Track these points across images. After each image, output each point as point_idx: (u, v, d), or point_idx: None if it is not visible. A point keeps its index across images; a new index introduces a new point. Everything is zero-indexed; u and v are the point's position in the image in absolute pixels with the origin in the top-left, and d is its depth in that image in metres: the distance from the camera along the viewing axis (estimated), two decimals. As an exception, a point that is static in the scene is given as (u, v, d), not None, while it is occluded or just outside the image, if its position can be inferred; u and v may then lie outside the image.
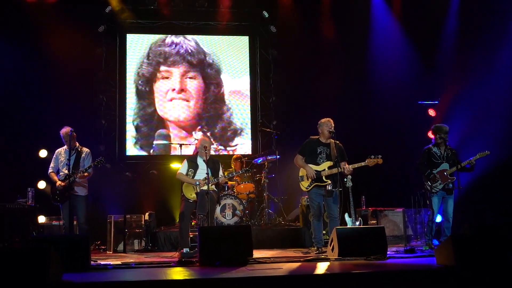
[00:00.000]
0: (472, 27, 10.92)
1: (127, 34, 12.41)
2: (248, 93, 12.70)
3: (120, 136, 12.10)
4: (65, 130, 8.22)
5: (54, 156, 8.43)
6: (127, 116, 12.18)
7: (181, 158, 9.93)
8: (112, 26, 12.03)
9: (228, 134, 12.54)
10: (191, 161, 8.36)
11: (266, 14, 12.41)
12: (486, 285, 5.35)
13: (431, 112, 11.16)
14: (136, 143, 12.20)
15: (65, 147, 8.30)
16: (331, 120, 8.11)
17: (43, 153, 10.40)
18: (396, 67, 11.58)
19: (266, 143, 11.97)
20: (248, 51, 12.82)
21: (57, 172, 8.33)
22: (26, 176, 10.08)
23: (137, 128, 12.24)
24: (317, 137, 8.22)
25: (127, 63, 12.33)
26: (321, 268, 6.32)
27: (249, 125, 12.60)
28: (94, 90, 11.79)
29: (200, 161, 8.29)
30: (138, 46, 12.43)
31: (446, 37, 11.41)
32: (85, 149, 8.41)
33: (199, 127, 12.35)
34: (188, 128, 12.33)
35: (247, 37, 12.87)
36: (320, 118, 8.25)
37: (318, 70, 11.92)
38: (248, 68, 12.76)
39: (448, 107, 11.05)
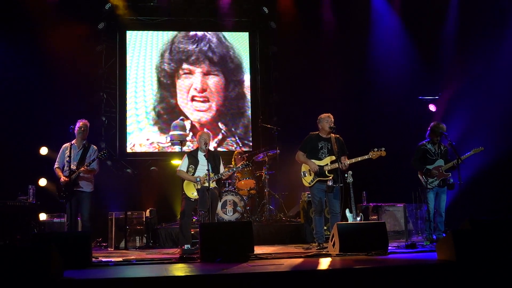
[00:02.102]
0: (473, 22, 10.90)
1: (127, 31, 12.39)
2: (249, 89, 12.70)
3: (120, 133, 12.10)
4: (85, 122, 8.22)
5: (60, 151, 8.28)
6: (128, 111, 12.19)
7: (181, 154, 9.93)
8: (112, 23, 12.02)
9: (250, 132, 12.66)
10: (192, 156, 8.34)
11: (266, 10, 12.40)
12: (486, 280, 5.36)
13: (432, 107, 11.14)
14: (155, 124, 12.26)
15: (73, 142, 8.17)
16: (331, 116, 8.13)
17: (43, 151, 10.39)
18: (396, 62, 11.57)
19: (267, 139, 11.96)
20: (248, 47, 12.81)
21: (63, 168, 8.18)
22: (27, 173, 10.08)
23: (158, 115, 12.31)
24: (317, 132, 8.22)
25: (128, 58, 12.34)
26: (323, 263, 6.33)
27: (249, 122, 12.61)
28: (94, 87, 11.79)
29: (200, 156, 8.25)
30: (149, 42, 12.50)
31: (446, 32, 11.39)
32: (93, 146, 8.31)
33: (220, 123, 12.48)
34: (209, 127, 12.37)
35: (247, 33, 12.86)
36: (320, 113, 8.25)
37: (318, 66, 11.92)
38: (248, 64, 12.75)
39: (448, 102, 11.03)
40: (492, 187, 10.22)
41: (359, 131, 11.16)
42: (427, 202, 8.48)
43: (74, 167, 7.98)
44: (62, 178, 7.96)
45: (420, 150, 8.58)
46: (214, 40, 12.70)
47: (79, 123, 8.21)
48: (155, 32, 12.55)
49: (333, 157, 7.99)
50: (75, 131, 8.18)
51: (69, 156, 7.95)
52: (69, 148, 8.12)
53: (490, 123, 10.40)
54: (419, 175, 8.59)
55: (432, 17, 11.51)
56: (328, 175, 7.97)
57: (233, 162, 10.69)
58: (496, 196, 10.13)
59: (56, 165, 8.23)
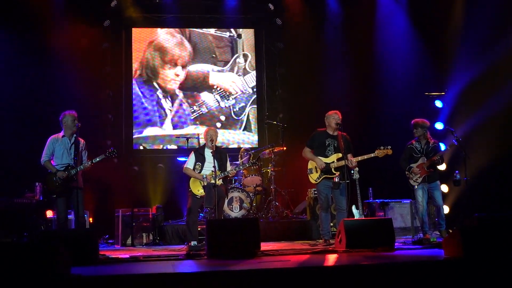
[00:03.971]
0: (480, 17, 10.82)
1: (133, 28, 12.39)
2: (255, 85, 12.69)
3: (126, 131, 12.10)
4: (72, 113, 7.89)
5: (48, 143, 7.86)
6: (134, 108, 12.20)
7: (188, 151, 9.93)
8: (118, 21, 12.01)
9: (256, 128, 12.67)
10: (199, 153, 8.33)
11: (271, 7, 12.37)
12: (494, 277, 5.34)
13: (438, 103, 11.11)
14: (161, 121, 12.27)
15: (61, 134, 7.89)
16: (338, 113, 8.13)
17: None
18: (403, 58, 11.51)
19: (273, 136, 11.96)
20: (254, 44, 12.80)
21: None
22: (34, 170, 10.08)
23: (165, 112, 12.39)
24: (324, 129, 8.22)
25: (133, 56, 12.33)
26: (329, 260, 6.33)
27: (255, 118, 12.61)
28: (100, 84, 11.79)
29: (207, 153, 8.23)
30: (155, 39, 12.48)
31: (453, 27, 11.32)
32: (82, 140, 7.97)
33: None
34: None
35: (253, 30, 12.84)
36: (327, 110, 8.26)
37: (324, 62, 11.90)
38: (254, 61, 12.74)
39: (455, 98, 10.99)
40: (500, 184, 10.17)
41: (365, 127, 11.14)
42: (416, 199, 8.55)
43: (72, 162, 7.71)
44: (61, 172, 7.67)
45: (407, 149, 8.68)
46: (220, 37, 12.68)
47: (71, 115, 7.87)
48: (161, 29, 12.54)
49: (339, 155, 7.99)
50: (66, 123, 7.85)
51: (66, 150, 7.79)
52: (60, 141, 7.87)
53: (497, 119, 10.34)
54: (406, 174, 8.66)
55: (438, 12, 11.44)
56: (335, 172, 7.97)
57: (239, 159, 10.69)
58: (503, 192, 10.08)
59: (45, 158, 7.82)
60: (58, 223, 7.93)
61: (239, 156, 10.75)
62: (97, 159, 7.82)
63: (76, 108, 8.09)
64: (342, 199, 7.96)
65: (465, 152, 8.29)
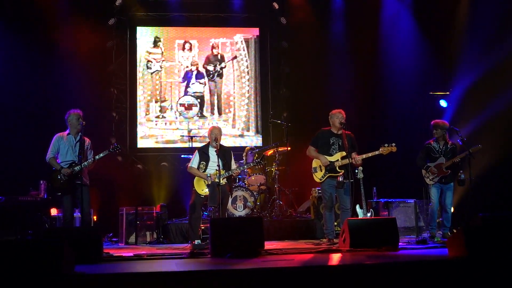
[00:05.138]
0: (485, 15, 10.79)
1: (137, 27, 12.40)
2: (259, 84, 12.69)
3: (131, 129, 12.11)
4: (77, 112, 7.88)
5: (54, 141, 7.89)
6: (138, 107, 12.22)
7: (192, 149, 9.94)
8: (123, 19, 12.03)
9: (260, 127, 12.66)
10: (203, 152, 8.31)
11: (276, 6, 12.36)
12: (497, 277, 5.33)
13: (443, 103, 11.09)
14: (165, 120, 12.32)
15: (66, 132, 7.92)
16: (342, 112, 8.13)
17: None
18: (407, 57, 11.53)
19: (277, 134, 11.95)
20: (258, 42, 12.78)
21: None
22: (39, 168, 10.10)
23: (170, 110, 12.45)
24: (328, 128, 8.22)
25: (138, 54, 12.34)
26: (333, 259, 6.33)
27: (260, 117, 12.61)
28: (105, 83, 11.81)
29: (211, 152, 8.23)
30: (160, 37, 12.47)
31: (458, 26, 11.30)
32: (87, 139, 7.96)
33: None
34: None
35: (257, 29, 12.83)
36: (331, 109, 8.26)
37: (329, 61, 11.90)
38: (259, 60, 12.73)
39: (460, 98, 10.97)
40: (504, 183, 10.15)
41: (370, 126, 11.13)
42: (430, 197, 8.64)
43: (76, 159, 7.69)
44: (65, 169, 7.66)
45: (425, 149, 8.77)
46: (225, 37, 12.70)
47: (75, 113, 7.87)
48: (165, 28, 12.54)
49: (344, 153, 7.99)
50: (71, 122, 7.85)
51: (71, 148, 7.78)
52: (65, 139, 7.89)
53: (502, 119, 10.32)
54: (423, 173, 8.71)
55: (443, 11, 11.43)
56: (339, 170, 7.97)
57: (244, 158, 10.68)
58: (508, 192, 10.06)
59: (50, 155, 7.84)
60: (64, 221, 7.94)
61: (244, 155, 10.74)
62: (101, 155, 7.82)
63: (80, 107, 8.09)
64: (346, 198, 7.96)
65: (470, 151, 8.30)
